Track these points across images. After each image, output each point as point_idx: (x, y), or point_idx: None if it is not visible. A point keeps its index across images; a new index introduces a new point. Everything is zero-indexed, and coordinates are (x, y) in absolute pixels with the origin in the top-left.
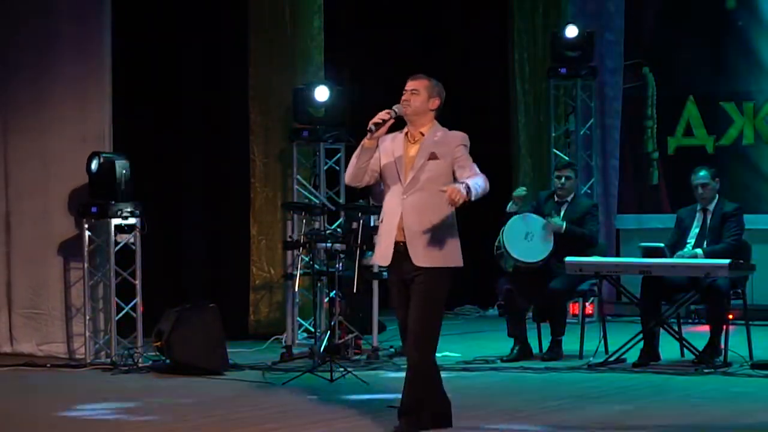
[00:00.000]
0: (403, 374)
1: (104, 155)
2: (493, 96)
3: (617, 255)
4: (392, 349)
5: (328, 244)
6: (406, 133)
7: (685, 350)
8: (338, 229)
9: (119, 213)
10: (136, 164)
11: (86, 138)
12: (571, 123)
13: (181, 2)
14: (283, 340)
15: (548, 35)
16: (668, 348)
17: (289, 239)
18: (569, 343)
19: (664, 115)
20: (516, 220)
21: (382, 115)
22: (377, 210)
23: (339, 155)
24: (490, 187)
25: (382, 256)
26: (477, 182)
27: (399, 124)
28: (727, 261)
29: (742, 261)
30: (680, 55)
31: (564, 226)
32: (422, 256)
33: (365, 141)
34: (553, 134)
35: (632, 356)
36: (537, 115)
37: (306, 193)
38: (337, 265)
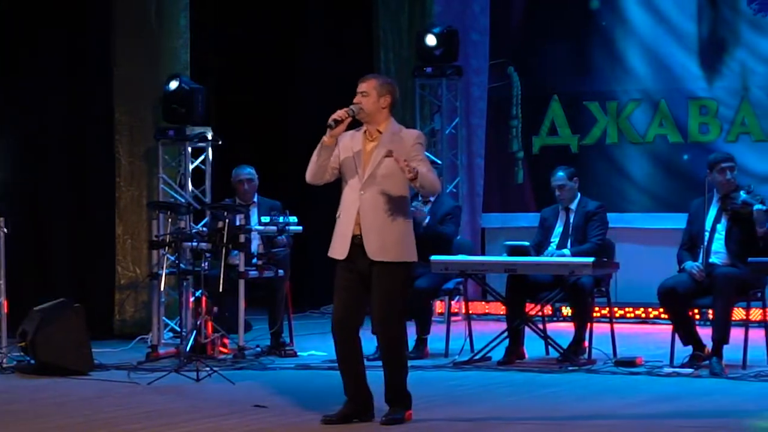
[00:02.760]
0: (270, 373)
1: None
2: None
3: (483, 254)
4: (258, 349)
5: (194, 244)
6: (365, 131)
7: (550, 348)
8: (204, 229)
9: None
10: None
11: None
12: (437, 122)
13: None
14: (149, 340)
15: (413, 35)
16: (533, 346)
17: (154, 238)
18: (435, 341)
19: (529, 114)
20: None
21: (341, 113)
22: (243, 209)
23: (205, 154)
24: None
25: (338, 250)
26: (428, 175)
27: (358, 122)
28: (591, 259)
29: (605, 259)
30: (545, 55)
31: (427, 219)
32: (378, 250)
33: (325, 138)
34: None
35: (497, 354)
36: (403, 114)
37: (172, 193)
38: (202, 265)
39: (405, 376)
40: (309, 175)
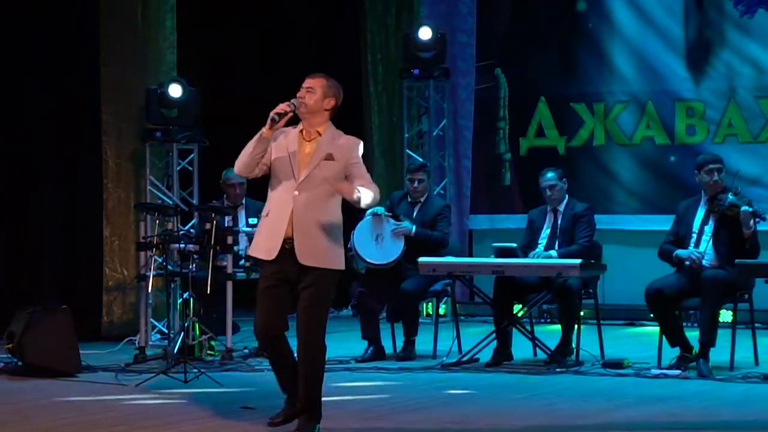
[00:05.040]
0: (257, 375)
1: None
2: (346, 97)
3: (470, 255)
4: (246, 350)
5: (182, 245)
6: (301, 131)
7: (538, 350)
8: (191, 230)
9: None
10: None
11: None
12: (424, 124)
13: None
14: (137, 342)
15: (401, 36)
16: (521, 347)
17: (142, 240)
18: (423, 343)
19: (516, 116)
20: (366, 223)
21: (284, 106)
22: (231, 211)
23: (192, 156)
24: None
25: (267, 250)
26: (367, 192)
27: (292, 120)
28: (578, 261)
29: (593, 261)
30: (532, 57)
31: (413, 230)
32: (308, 255)
33: (264, 131)
34: (407, 135)
35: (485, 356)
36: (390, 116)
37: (159, 194)
38: (190, 266)
39: (320, 388)
40: (239, 167)
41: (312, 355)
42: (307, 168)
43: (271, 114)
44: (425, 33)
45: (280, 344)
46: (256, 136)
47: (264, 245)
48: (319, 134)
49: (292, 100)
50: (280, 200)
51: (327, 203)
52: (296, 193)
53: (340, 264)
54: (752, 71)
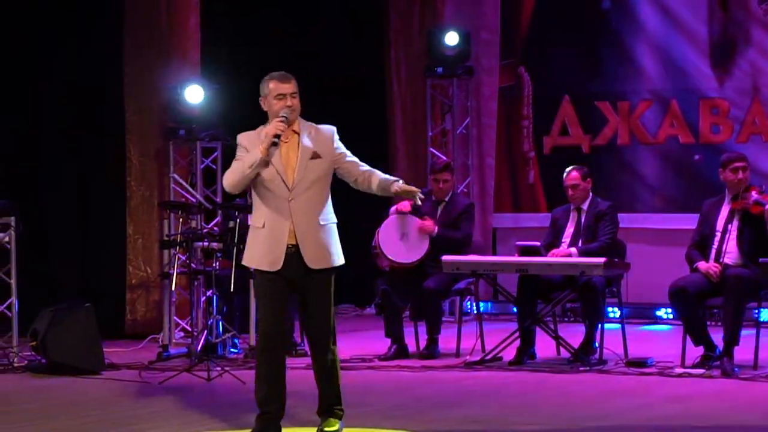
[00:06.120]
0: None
1: None
2: (370, 95)
3: (494, 254)
4: None
5: (205, 243)
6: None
7: (561, 348)
8: (215, 228)
9: None
10: (8, 162)
11: None
12: (448, 122)
13: None
14: (160, 340)
15: (424, 34)
16: (544, 346)
17: (165, 238)
18: (446, 341)
19: (540, 114)
20: (391, 221)
21: (282, 126)
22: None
23: (216, 154)
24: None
25: (270, 261)
26: (375, 176)
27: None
28: (602, 259)
29: (617, 259)
30: (556, 55)
31: (435, 231)
32: (315, 258)
33: (264, 155)
34: (430, 133)
35: (509, 354)
36: (414, 114)
37: (183, 192)
38: (213, 264)
39: (339, 387)
40: (229, 186)
41: (329, 358)
42: (296, 172)
43: (271, 138)
44: (452, 38)
45: (283, 351)
46: (257, 161)
47: (266, 257)
48: (296, 132)
49: (282, 115)
50: (274, 209)
51: (322, 202)
52: (291, 200)
53: (341, 258)
54: None
